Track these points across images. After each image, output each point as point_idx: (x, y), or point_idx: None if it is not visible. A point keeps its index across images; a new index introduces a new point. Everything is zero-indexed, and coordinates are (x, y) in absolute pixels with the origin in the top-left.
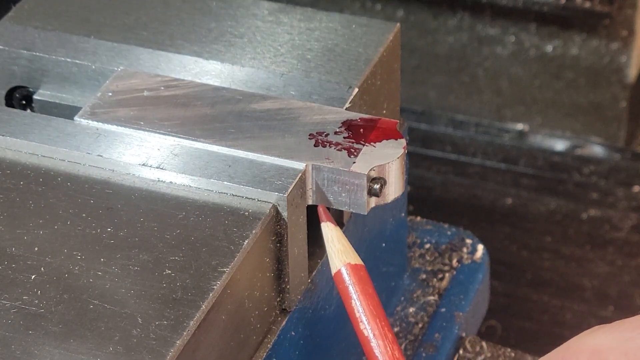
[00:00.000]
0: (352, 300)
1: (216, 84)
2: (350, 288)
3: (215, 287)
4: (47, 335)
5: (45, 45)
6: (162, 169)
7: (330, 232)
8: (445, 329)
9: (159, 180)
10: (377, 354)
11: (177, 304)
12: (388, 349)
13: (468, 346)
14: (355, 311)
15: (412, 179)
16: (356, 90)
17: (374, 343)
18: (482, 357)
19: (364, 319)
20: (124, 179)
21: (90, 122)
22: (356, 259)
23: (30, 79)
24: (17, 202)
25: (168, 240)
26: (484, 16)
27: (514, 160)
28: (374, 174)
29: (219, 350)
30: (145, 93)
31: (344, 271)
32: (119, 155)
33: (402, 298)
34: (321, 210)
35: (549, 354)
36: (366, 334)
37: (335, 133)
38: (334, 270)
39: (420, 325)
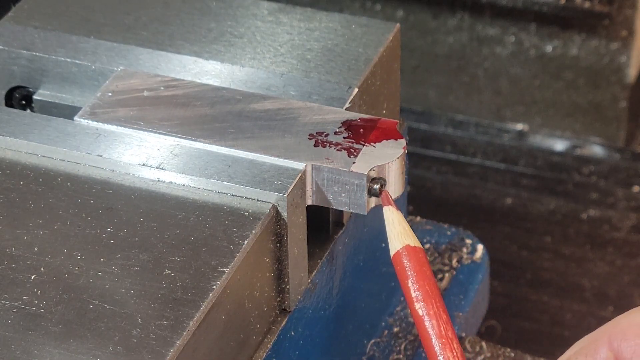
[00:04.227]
0: (409, 281)
1: (216, 84)
2: (408, 268)
3: (215, 287)
4: (47, 335)
5: (45, 45)
6: (162, 169)
7: (391, 215)
8: None
9: (158, 180)
10: (430, 333)
11: (177, 304)
12: (442, 329)
13: (468, 346)
14: (412, 291)
15: (412, 179)
16: (356, 90)
17: (427, 323)
18: (482, 357)
19: (419, 298)
20: (123, 179)
21: (90, 122)
22: (415, 242)
23: (30, 79)
24: (17, 202)
25: (168, 240)
26: (483, 16)
27: (514, 160)
28: (373, 174)
29: (219, 350)
30: (145, 93)
31: (402, 252)
32: (118, 155)
33: (402, 298)
34: (385, 195)
35: (595, 331)
36: (421, 314)
37: (335, 133)
38: (393, 252)
39: None
